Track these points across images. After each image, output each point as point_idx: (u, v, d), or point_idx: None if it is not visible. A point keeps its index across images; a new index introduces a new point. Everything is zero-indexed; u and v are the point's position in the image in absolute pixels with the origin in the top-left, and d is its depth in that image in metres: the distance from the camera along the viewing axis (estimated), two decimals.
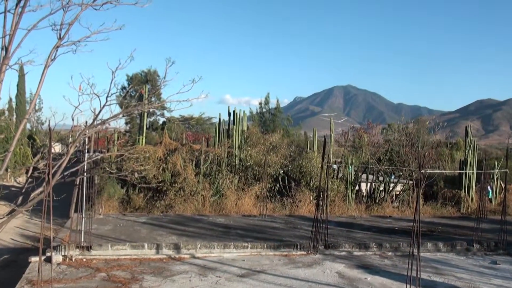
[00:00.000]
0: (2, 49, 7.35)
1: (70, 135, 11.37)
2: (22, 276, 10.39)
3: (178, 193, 19.14)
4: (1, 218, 8.13)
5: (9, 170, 25.13)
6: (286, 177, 22.10)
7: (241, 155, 22.21)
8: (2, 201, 15.19)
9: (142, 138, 21.16)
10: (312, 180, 21.37)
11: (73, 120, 9.37)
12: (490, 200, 23.64)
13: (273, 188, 21.63)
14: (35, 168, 10.25)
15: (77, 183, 13.57)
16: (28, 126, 43.49)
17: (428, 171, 20.68)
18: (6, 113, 34.14)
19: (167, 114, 43.98)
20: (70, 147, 9.53)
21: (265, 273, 11.49)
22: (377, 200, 22.28)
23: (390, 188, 22.94)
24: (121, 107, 13.89)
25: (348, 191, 21.60)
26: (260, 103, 41.43)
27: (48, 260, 11.24)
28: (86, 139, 11.86)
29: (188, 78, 9.35)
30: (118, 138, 20.16)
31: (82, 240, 12.55)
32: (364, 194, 22.86)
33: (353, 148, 29.88)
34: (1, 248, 13.95)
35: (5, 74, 7.35)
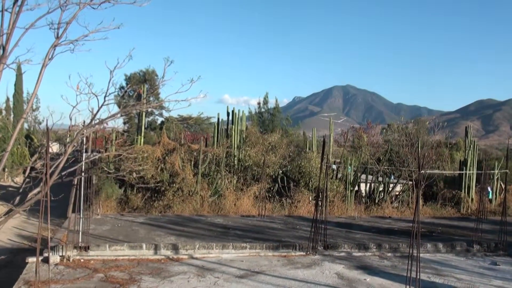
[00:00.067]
0: None
1: (68, 135, 11.30)
2: (19, 276, 10.34)
3: (176, 193, 19.08)
4: None
5: (6, 170, 25.05)
6: (285, 177, 22.04)
7: (240, 155, 22.15)
8: (0, 201, 15.11)
9: (140, 138, 21.10)
10: (311, 181, 21.31)
11: (70, 119, 9.32)
12: (490, 200, 23.61)
13: (272, 188, 21.58)
14: (32, 168, 10.20)
15: (75, 183, 13.51)
16: (26, 125, 43.39)
17: (427, 171, 20.64)
18: (4, 112, 34.05)
19: (165, 114, 43.96)
20: (68, 147, 9.48)
21: (264, 274, 11.45)
22: (376, 201, 22.23)
23: (390, 189, 22.89)
24: (119, 107, 13.83)
25: (347, 191, 21.55)
26: (259, 103, 41.35)
27: (46, 260, 11.16)
28: (84, 139, 11.82)
29: (187, 78, 9.29)
30: (116, 138, 20.09)
31: (80, 240, 12.52)
32: (364, 194, 22.81)
33: (353, 148, 29.82)
34: None
35: (3, 73, 7.29)
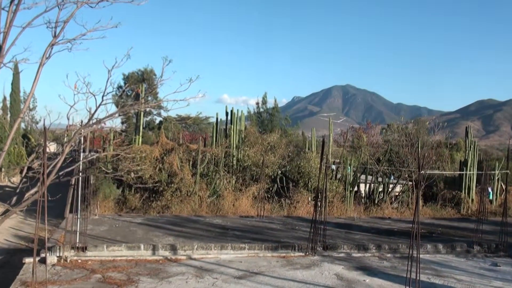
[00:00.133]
0: None
1: (66, 135, 11.26)
2: (16, 277, 10.28)
3: (174, 193, 19.00)
4: None
5: (3, 169, 24.98)
6: (284, 178, 21.98)
7: (239, 155, 22.09)
8: None
9: (139, 138, 21.01)
10: (311, 181, 21.24)
11: (68, 119, 9.32)
12: (491, 201, 23.53)
13: (271, 188, 21.52)
14: (29, 168, 10.17)
15: (72, 183, 13.47)
16: (23, 125, 43.31)
17: (427, 172, 20.59)
18: (0, 112, 34.01)
19: (163, 114, 43.78)
20: (66, 147, 9.45)
21: (263, 274, 11.41)
22: (376, 201, 22.16)
23: (389, 189, 22.83)
24: (117, 106, 13.81)
25: (346, 192, 21.48)
26: (257, 103, 41.25)
27: (43, 261, 11.09)
28: (82, 139, 11.81)
29: (185, 77, 9.25)
30: (114, 137, 20.01)
31: (77, 241, 12.47)
32: (363, 195, 22.74)
33: (352, 149, 29.72)
34: None
35: (0, 72, 7.25)
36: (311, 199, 20.82)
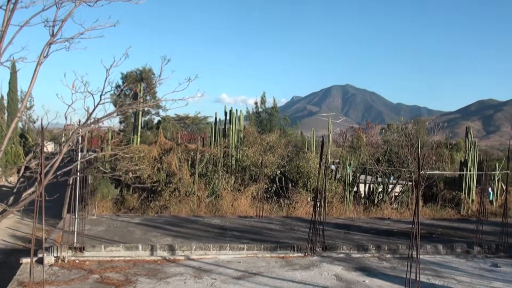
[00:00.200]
0: None
1: (63, 134, 11.23)
2: (13, 277, 10.22)
3: (173, 193, 18.96)
4: None
5: (0, 169, 24.89)
6: (283, 178, 21.93)
7: (238, 155, 22.04)
8: None
9: (137, 138, 20.96)
10: (310, 181, 21.19)
11: (66, 118, 9.27)
12: (491, 202, 23.51)
13: (270, 189, 21.46)
14: (27, 168, 10.10)
15: (70, 183, 13.41)
16: (20, 124, 43.22)
17: (427, 172, 20.54)
18: None
19: (162, 113, 43.74)
20: (63, 146, 9.40)
21: (262, 275, 11.37)
22: (375, 202, 22.13)
23: (389, 190, 22.81)
24: (115, 106, 13.76)
25: (346, 192, 21.45)
26: (256, 103, 41.20)
27: (40, 261, 11.13)
28: (80, 138, 11.77)
29: (184, 76, 9.19)
30: (112, 137, 19.94)
31: (75, 241, 12.43)
32: (363, 195, 22.71)
33: (352, 149, 29.67)
34: None
35: None
36: (310, 199, 20.78)
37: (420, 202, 20.38)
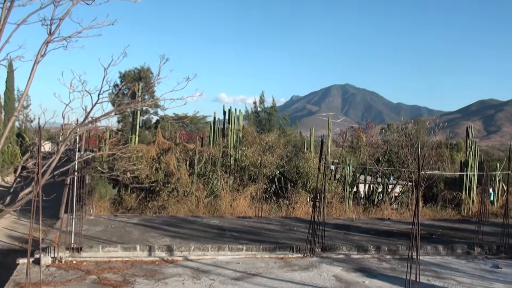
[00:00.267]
0: None
1: (61, 134, 11.17)
2: (10, 278, 10.16)
3: (171, 193, 18.91)
4: None
5: None
6: (282, 178, 21.87)
7: (237, 155, 21.99)
8: None
9: (135, 137, 20.91)
10: (309, 181, 21.15)
11: (63, 118, 9.26)
12: (492, 202, 23.48)
13: (269, 189, 21.40)
14: (24, 167, 10.05)
15: (68, 182, 13.35)
16: (17, 123, 43.23)
17: (427, 172, 20.50)
18: None
19: (160, 113, 43.68)
20: (61, 146, 9.34)
21: (260, 276, 11.32)
22: (375, 202, 22.07)
23: (389, 190, 22.76)
24: (113, 105, 13.71)
25: (345, 192, 21.41)
26: (255, 102, 41.18)
27: (37, 262, 11.01)
28: (77, 138, 11.70)
29: (182, 76, 9.17)
30: (110, 136, 19.91)
31: (72, 241, 12.36)
32: (362, 195, 22.66)
33: (351, 149, 29.67)
34: None
35: None
36: (309, 200, 20.74)
37: (420, 203, 20.31)
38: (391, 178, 24.11)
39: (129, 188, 19.10)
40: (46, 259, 11.48)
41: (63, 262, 11.61)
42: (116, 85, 36.67)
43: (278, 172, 22.12)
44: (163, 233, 14.68)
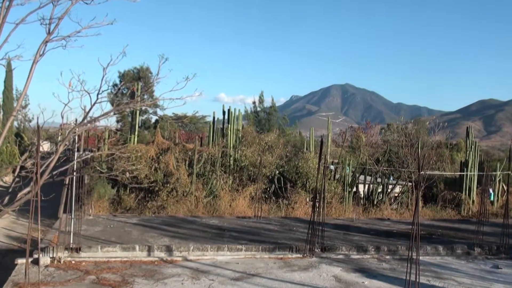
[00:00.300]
0: None
1: (59, 133, 11.13)
2: (8, 278, 10.12)
3: (170, 193, 18.87)
4: None
5: None
6: (281, 178, 21.85)
7: (236, 155, 21.95)
8: None
9: (134, 137, 20.87)
10: (309, 181, 21.11)
11: (62, 117, 9.21)
12: (492, 202, 23.47)
13: (268, 189, 21.37)
14: (22, 167, 10.02)
15: (66, 182, 13.30)
16: (16, 123, 43.22)
17: (427, 172, 20.46)
18: None
19: (159, 112, 43.74)
20: (59, 146, 9.29)
21: (260, 276, 11.28)
22: (375, 202, 22.05)
23: (389, 190, 22.73)
24: (112, 105, 13.65)
25: (345, 192, 21.38)
26: (254, 102, 41.16)
27: (36, 262, 10.97)
28: (76, 137, 11.66)
29: (182, 75, 9.13)
30: (109, 136, 19.86)
31: (71, 241, 12.30)
32: (362, 195, 22.64)
33: (351, 149, 29.63)
34: None
35: None
36: (309, 200, 20.70)
37: (420, 203, 20.29)
38: (391, 178, 24.10)
39: (128, 188, 19.06)
40: (44, 259, 11.42)
41: (62, 262, 11.56)
42: (115, 85, 36.62)
43: (277, 172, 22.09)
44: (162, 233, 14.64)
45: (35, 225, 9.85)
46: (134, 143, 20.48)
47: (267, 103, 41.34)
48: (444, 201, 22.81)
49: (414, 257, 9.58)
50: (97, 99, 9.16)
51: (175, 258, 12.60)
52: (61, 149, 9.29)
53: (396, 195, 23.18)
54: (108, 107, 17.14)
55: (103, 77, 9.08)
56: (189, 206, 19.12)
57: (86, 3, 8.58)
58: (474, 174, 23.20)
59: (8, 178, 26.71)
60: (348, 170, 21.82)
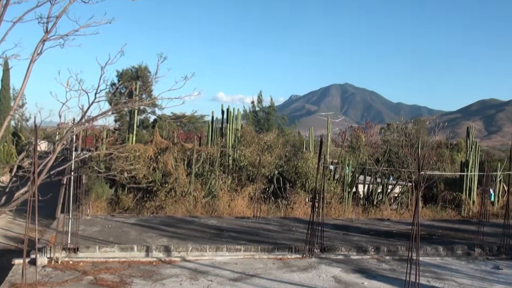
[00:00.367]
0: None
1: (57, 133, 11.09)
2: (5, 279, 10.09)
3: (169, 193, 18.82)
4: None
5: None
6: (281, 178, 21.80)
7: (235, 154, 21.89)
8: None
9: (132, 137, 20.82)
10: (308, 181, 21.06)
11: (60, 117, 9.18)
12: (492, 203, 23.43)
13: (267, 189, 21.33)
14: (19, 167, 9.94)
15: (64, 182, 13.23)
16: (13, 123, 43.15)
17: (427, 172, 20.40)
18: None
19: (158, 112, 43.72)
20: (57, 145, 9.24)
21: (259, 277, 11.25)
22: (374, 202, 22.01)
23: (388, 190, 22.70)
24: (110, 104, 13.57)
25: (345, 192, 21.34)
26: (253, 102, 41.12)
27: (33, 262, 10.96)
28: (74, 137, 11.64)
29: (180, 75, 9.13)
30: (107, 136, 19.78)
31: (69, 241, 12.29)
32: (362, 196, 22.60)
33: (351, 149, 29.59)
34: None
35: None
36: (308, 200, 20.66)
37: (420, 203, 20.25)
38: (391, 178, 24.07)
39: (126, 188, 19.01)
40: (42, 260, 11.38)
41: (59, 262, 11.52)
42: (113, 84, 36.46)
43: (276, 172, 22.04)
44: (160, 234, 14.60)
45: (33, 225, 9.81)
46: (132, 142, 20.41)
47: (266, 102, 41.34)
48: (444, 201, 22.78)
49: (414, 257, 9.56)
50: (95, 98, 9.12)
51: (173, 258, 12.55)
52: (58, 148, 9.24)
53: (396, 195, 23.16)
54: (106, 106, 17.01)
55: (101, 76, 9.03)
56: (188, 206, 19.08)
57: (84, 2, 8.52)
58: (474, 175, 23.17)
59: (5, 178, 26.66)
60: (347, 170, 21.78)
